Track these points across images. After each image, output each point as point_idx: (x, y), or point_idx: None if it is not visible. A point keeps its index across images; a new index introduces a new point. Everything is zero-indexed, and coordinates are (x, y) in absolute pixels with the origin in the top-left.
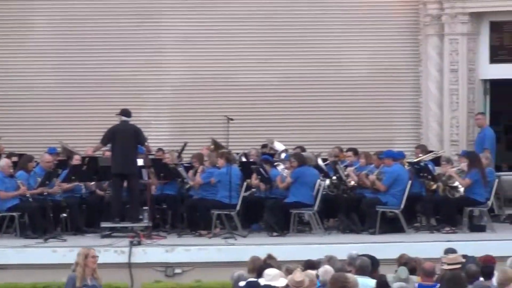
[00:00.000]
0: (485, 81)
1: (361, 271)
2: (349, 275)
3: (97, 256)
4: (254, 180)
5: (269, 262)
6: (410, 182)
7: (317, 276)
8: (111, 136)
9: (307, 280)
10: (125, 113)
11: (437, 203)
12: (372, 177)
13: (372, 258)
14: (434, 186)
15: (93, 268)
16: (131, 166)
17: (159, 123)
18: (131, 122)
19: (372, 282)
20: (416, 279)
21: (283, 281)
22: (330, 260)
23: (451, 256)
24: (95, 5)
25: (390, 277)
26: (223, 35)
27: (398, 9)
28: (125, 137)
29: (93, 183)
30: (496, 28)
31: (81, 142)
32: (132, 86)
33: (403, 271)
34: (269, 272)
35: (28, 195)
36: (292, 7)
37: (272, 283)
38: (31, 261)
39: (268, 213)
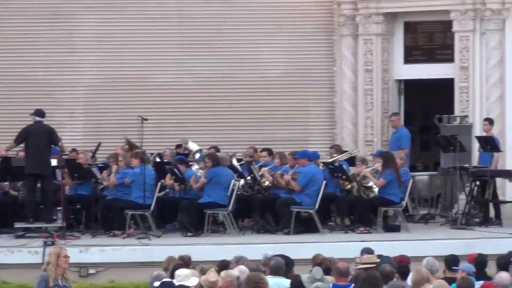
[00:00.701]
0: (399, 81)
1: (275, 271)
2: (264, 275)
3: (69, 256)
4: (169, 180)
5: (183, 262)
6: (324, 182)
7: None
8: (25, 136)
9: (220, 280)
10: (39, 113)
11: (351, 203)
12: (287, 177)
13: (286, 258)
14: (349, 186)
15: (64, 268)
16: (44, 166)
17: (73, 123)
18: (45, 122)
19: (287, 282)
20: (330, 279)
21: (195, 280)
22: (239, 261)
23: (365, 256)
24: (6, 5)
25: (304, 277)
26: (137, 35)
27: (313, 9)
28: (38, 137)
29: (6, 183)
30: (410, 28)
31: None
32: (45, 87)
33: (318, 271)
34: (180, 272)
35: None
36: (207, 6)
37: (184, 283)
38: None
39: (183, 213)
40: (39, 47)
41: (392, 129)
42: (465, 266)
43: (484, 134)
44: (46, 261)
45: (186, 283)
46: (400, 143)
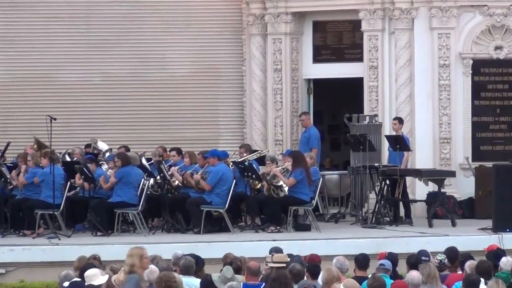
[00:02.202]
0: (308, 80)
1: (185, 271)
2: (175, 274)
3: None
4: (78, 180)
5: (93, 262)
6: (234, 181)
7: None
8: None
9: None
10: None
11: (261, 203)
12: (197, 176)
13: (197, 258)
14: (259, 186)
15: (145, 269)
16: None
17: None
18: None
19: (197, 281)
20: (241, 278)
21: (103, 279)
22: (154, 259)
23: (277, 255)
24: None
25: (215, 276)
26: (44, 34)
27: (221, 8)
28: None
29: None
30: (319, 28)
31: None
32: None
33: (228, 270)
34: (88, 273)
35: None
36: (114, 5)
37: (93, 283)
38: None
39: (92, 212)
40: None
41: (302, 128)
42: (386, 263)
43: (393, 133)
44: (128, 263)
45: (94, 283)
46: (309, 143)
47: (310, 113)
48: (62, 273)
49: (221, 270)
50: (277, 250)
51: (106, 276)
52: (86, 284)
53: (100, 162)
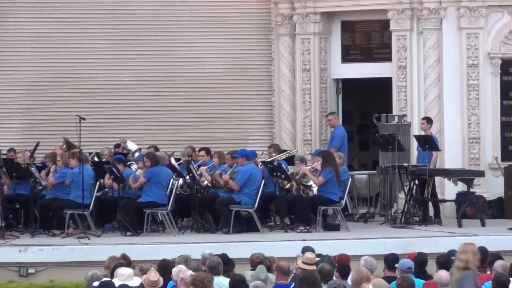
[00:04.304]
0: (337, 80)
1: (213, 271)
2: (208, 274)
3: None
4: (107, 180)
5: (123, 261)
6: (263, 181)
7: None
8: None
9: (161, 280)
10: None
11: (291, 202)
12: (226, 176)
13: (226, 258)
14: (288, 185)
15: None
16: None
17: (11, 123)
18: None
19: (226, 281)
20: (274, 278)
21: (138, 281)
22: (185, 260)
23: (308, 255)
24: None
25: (248, 275)
26: (73, 33)
27: (251, 8)
28: None
29: None
30: (348, 27)
31: None
32: None
33: (262, 270)
34: (123, 271)
35: None
36: (145, 4)
37: (127, 283)
38: None
39: (122, 212)
40: None
41: (331, 128)
42: (401, 263)
43: (422, 133)
44: (463, 259)
45: (129, 283)
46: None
47: (339, 113)
48: (89, 273)
49: (254, 270)
50: (309, 249)
51: (140, 279)
52: (119, 283)
53: (129, 163)
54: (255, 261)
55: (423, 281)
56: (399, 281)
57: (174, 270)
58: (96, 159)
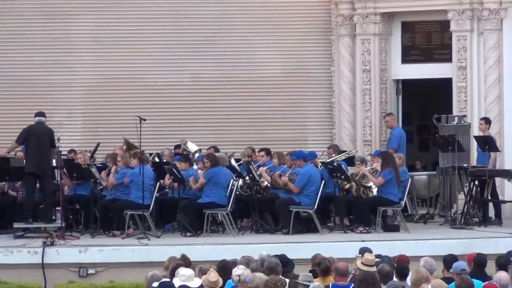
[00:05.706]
0: (397, 81)
1: (270, 272)
2: (281, 277)
3: None
4: (167, 180)
5: (184, 262)
6: (323, 182)
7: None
8: (27, 136)
9: (221, 281)
10: (41, 114)
11: (350, 203)
12: (285, 178)
13: (285, 259)
14: (348, 186)
15: None
16: (45, 166)
17: (71, 124)
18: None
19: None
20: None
21: (198, 282)
22: (248, 262)
23: (367, 256)
24: (3, 6)
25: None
26: (134, 35)
27: (310, 9)
28: (40, 138)
29: (4, 183)
30: (408, 28)
31: None
32: (43, 87)
33: (307, 277)
34: (184, 272)
35: None
36: (204, 6)
37: (187, 283)
38: None
39: (182, 213)
40: (36, 48)
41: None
42: (454, 266)
43: (481, 133)
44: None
45: (189, 284)
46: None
47: (399, 114)
48: (149, 273)
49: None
50: (367, 250)
51: (200, 280)
52: (180, 283)
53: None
54: (315, 262)
55: (482, 283)
56: (458, 282)
57: (233, 270)
58: (156, 159)
